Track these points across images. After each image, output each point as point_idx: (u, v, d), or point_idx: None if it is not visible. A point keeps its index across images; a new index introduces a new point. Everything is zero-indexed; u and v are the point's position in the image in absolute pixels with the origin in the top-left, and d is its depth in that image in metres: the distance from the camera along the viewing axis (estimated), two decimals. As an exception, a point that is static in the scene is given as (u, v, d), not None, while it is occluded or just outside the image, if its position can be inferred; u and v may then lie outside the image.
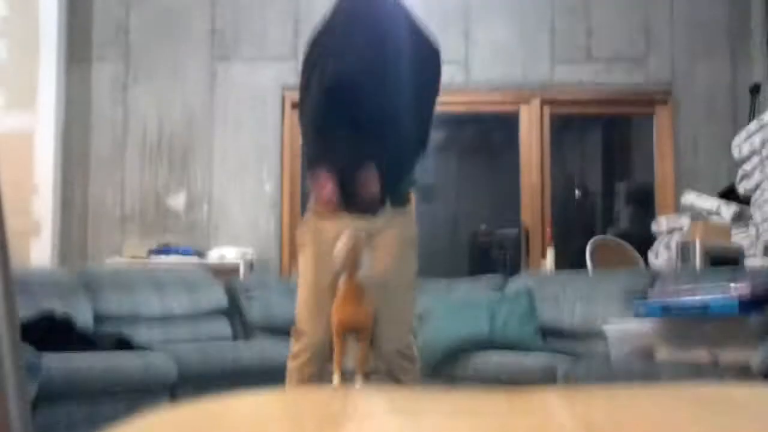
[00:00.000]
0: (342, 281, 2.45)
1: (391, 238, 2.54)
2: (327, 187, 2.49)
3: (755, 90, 5.38)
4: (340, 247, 2.40)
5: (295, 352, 2.57)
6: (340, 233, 2.43)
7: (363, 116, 2.49)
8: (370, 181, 2.49)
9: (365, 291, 2.45)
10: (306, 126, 2.59)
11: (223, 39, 5.53)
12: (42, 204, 5.17)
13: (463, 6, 5.57)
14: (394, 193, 2.56)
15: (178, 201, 5.43)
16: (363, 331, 2.47)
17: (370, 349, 2.50)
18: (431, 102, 2.67)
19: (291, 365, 2.58)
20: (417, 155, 2.66)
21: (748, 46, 5.52)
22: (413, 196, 2.72)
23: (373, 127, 2.49)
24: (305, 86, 2.60)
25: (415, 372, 2.58)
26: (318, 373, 2.53)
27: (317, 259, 2.53)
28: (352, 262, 2.42)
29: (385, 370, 2.52)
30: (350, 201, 2.51)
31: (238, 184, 5.45)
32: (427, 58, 2.65)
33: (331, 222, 2.50)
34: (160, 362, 3.42)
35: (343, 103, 2.48)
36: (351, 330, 2.47)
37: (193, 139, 5.47)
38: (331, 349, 2.50)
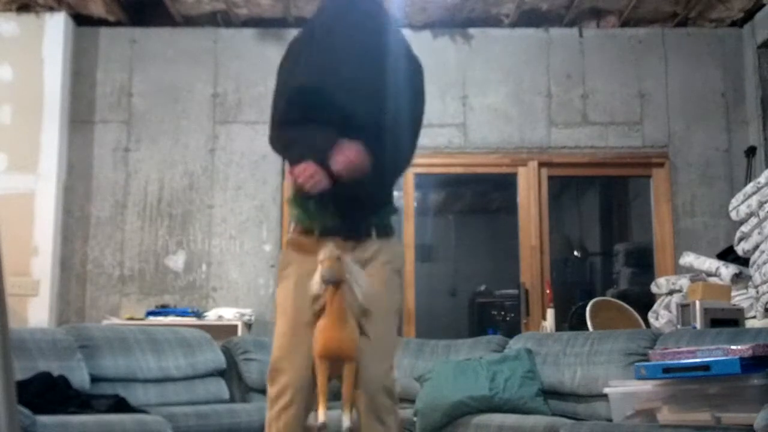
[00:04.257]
0: (327, 299, 2.21)
1: (380, 267, 2.35)
2: (307, 166, 2.25)
3: (751, 152, 5.45)
4: (323, 257, 2.20)
5: (273, 396, 2.28)
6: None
7: (348, 127, 2.28)
8: (350, 148, 2.23)
9: (351, 315, 2.22)
10: (280, 122, 2.38)
11: (225, 103, 5.62)
12: (41, 264, 5.18)
13: (461, 70, 5.67)
14: (378, 222, 2.39)
15: (177, 262, 5.44)
16: (349, 358, 2.21)
17: (356, 382, 2.24)
18: (417, 121, 2.45)
19: (269, 414, 2.28)
20: (397, 177, 2.49)
21: (743, 109, 5.61)
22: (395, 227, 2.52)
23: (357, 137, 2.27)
24: (280, 91, 2.39)
25: (398, 413, 2.36)
26: (301, 418, 2.25)
27: (298, 290, 2.31)
28: (338, 274, 2.18)
29: (367, 407, 2.25)
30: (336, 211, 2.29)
31: (237, 244, 5.47)
32: (414, 73, 2.45)
33: (314, 252, 2.27)
34: (156, 425, 3.38)
35: (326, 108, 2.28)
36: (336, 356, 2.20)
37: (193, 200, 5.51)
38: (314, 390, 2.25)
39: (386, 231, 2.42)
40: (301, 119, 2.33)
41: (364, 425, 2.24)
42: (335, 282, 2.20)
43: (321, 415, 2.19)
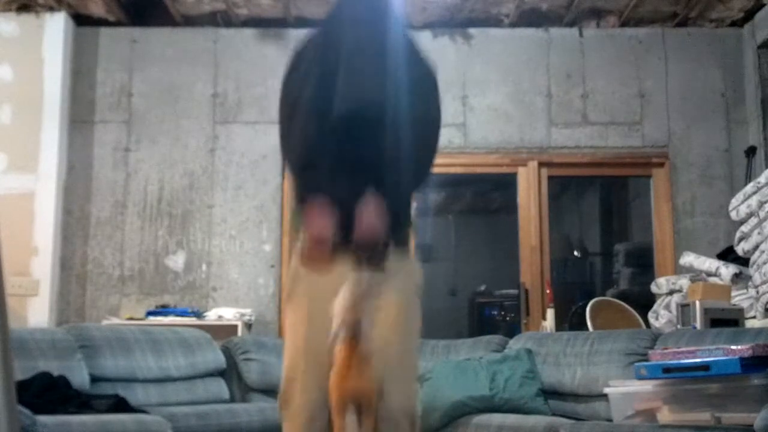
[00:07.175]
0: (340, 346, 2.03)
1: (397, 288, 2.15)
2: (318, 220, 2.03)
3: (751, 152, 5.45)
4: (339, 304, 2.03)
5: (286, 426, 2.17)
6: (339, 285, 2.04)
7: (369, 143, 2.08)
8: (374, 215, 2.01)
9: (369, 356, 2.03)
10: (295, 153, 2.16)
11: (225, 103, 5.62)
12: (41, 264, 5.17)
13: (461, 70, 5.67)
14: (397, 231, 2.13)
15: (177, 262, 5.44)
16: (368, 404, 2.05)
17: (375, 425, 2.08)
18: (436, 127, 2.34)
19: None
20: (418, 185, 2.31)
21: (743, 109, 5.61)
22: (413, 234, 2.33)
23: (377, 156, 2.09)
24: (291, 105, 2.16)
25: None
26: None
27: (311, 314, 2.14)
28: (354, 323, 2.01)
29: None
30: (347, 242, 2.03)
31: (237, 245, 5.46)
32: (429, 82, 2.34)
33: (328, 270, 2.09)
34: (156, 425, 3.38)
35: (346, 128, 2.06)
36: (353, 404, 2.04)
37: (193, 200, 5.51)
38: (327, 417, 2.10)
39: (404, 241, 2.22)
40: (333, 144, 2.08)
41: None
42: (352, 332, 2.03)
43: None
